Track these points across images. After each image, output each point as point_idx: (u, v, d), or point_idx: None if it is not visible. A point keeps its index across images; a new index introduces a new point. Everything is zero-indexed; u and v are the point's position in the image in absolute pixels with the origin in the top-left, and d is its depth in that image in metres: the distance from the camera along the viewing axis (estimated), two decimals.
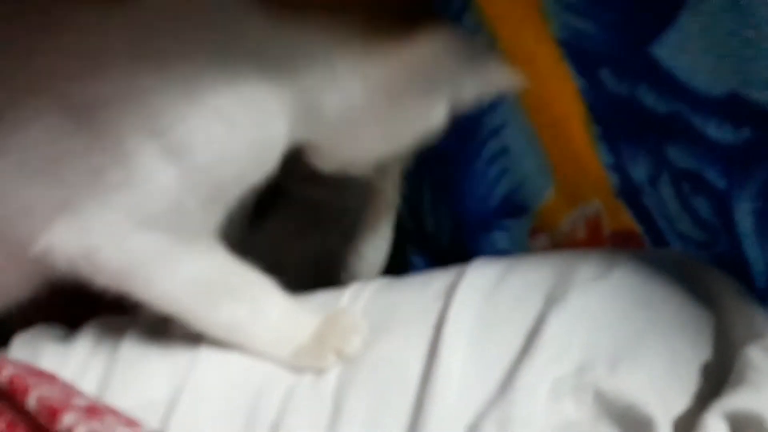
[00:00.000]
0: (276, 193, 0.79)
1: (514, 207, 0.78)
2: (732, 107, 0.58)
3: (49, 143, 0.53)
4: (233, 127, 0.55)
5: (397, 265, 0.86)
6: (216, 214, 0.58)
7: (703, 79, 0.58)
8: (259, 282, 0.61)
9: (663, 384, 0.50)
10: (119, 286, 0.56)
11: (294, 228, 0.81)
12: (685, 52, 0.58)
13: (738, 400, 0.46)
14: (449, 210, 0.82)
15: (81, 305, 0.62)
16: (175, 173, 0.54)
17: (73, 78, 0.53)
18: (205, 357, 0.60)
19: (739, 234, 0.62)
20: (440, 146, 0.73)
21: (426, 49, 0.59)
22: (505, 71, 0.64)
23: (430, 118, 0.64)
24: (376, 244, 0.83)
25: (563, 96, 0.71)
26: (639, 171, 0.69)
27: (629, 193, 0.71)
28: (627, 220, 0.73)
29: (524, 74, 0.72)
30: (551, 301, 0.57)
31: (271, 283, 0.61)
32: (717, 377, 0.50)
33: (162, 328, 0.62)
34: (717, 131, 0.59)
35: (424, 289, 0.63)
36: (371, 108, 0.60)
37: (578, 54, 0.67)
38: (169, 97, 0.53)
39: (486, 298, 0.59)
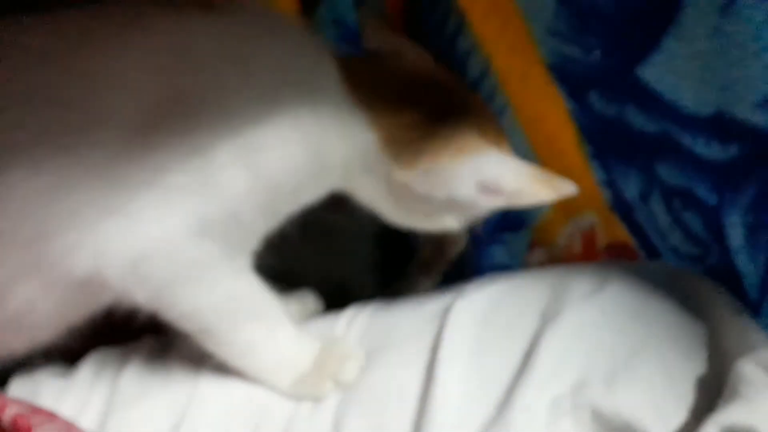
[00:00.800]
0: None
1: (513, 222, 0.79)
2: (719, 125, 0.59)
3: (110, 142, 0.51)
4: (305, 143, 0.56)
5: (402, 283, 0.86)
6: (263, 231, 0.58)
7: (689, 100, 0.59)
8: (276, 306, 0.60)
9: (659, 399, 0.50)
10: (158, 299, 0.54)
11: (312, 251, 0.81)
12: (671, 74, 0.59)
13: (732, 414, 0.47)
14: None
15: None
16: (245, 178, 0.53)
17: (160, 73, 0.52)
18: (204, 389, 0.59)
19: (730, 248, 0.63)
20: None
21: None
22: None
23: (444, 223, 0.65)
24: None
25: (555, 116, 0.72)
26: (630, 188, 0.70)
27: (622, 209, 0.73)
28: (622, 232, 0.74)
29: (517, 94, 0.73)
30: (546, 319, 0.57)
31: (281, 308, 0.60)
32: (711, 390, 0.50)
33: (160, 358, 0.62)
34: (705, 149, 0.60)
35: (419, 311, 0.63)
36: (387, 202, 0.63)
37: (567, 77, 0.69)
38: (252, 102, 0.53)
39: (481, 318, 0.59)
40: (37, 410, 0.53)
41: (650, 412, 0.49)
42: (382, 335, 0.62)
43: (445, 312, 0.60)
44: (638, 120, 0.64)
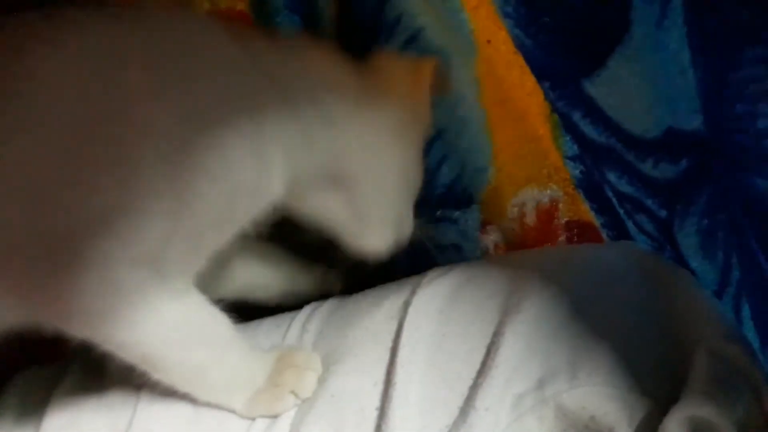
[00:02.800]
0: None
1: (459, 196, 0.75)
2: (669, 144, 0.55)
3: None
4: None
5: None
6: (209, 252, 0.54)
7: (636, 123, 0.55)
8: (225, 324, 0.56)
9: (623, 389, 0.48)
10: (91, 330, 0.51)
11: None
12: (617, 94, 0.55)
13: (693, 407, 0.45)
14: None
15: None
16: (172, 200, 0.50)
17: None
18: (146, 412, 0.56)
19: (683, 254, 0.61)
20: None
21: None
22: None
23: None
24: None
25: (523, 83, 0.66)
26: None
27: (590, 185, 0.69)
28: (584, 210, 0.71)
29: (487, 51, 0.68)
30: (506, 312, 0.54)
31: (232, 325, 0.56)
32: (675, 377, 0.48)
33: (94, 379, 0.59)
34: (654, 170, 0.57)
35: (375, 310, 0.60)
36: None
37: (524, 57, 0.64)
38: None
39: (440, 315, 0.57)
40: None
41: (615, 403, 0.48)
42: (338, 338, 0.59)
43: (402, 310, 0.58)
44: (586, 127, 0.59)
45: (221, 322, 0.55)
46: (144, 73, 0.49)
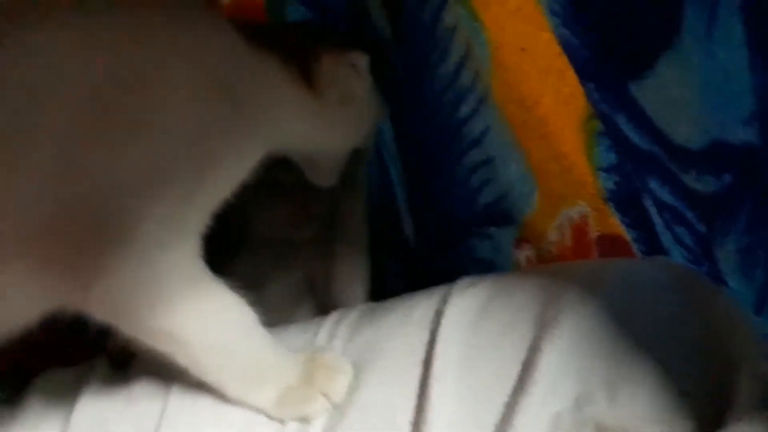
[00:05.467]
0: (240, 237, 0.78)
1: (498, 216, 0.74)
2: (714, 157, 0.53)
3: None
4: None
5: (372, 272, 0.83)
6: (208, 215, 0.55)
7: (681, 132, 0.53)
8: (251, 314, 0.56)
9: (665, 410, 0.47)
10: (116, 315, 0.52)
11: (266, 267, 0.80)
12: (664, 101, 0.52)
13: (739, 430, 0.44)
14: (429, 212, 0.78)
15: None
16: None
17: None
18: (175, 414, 0.55)
19: (722, 268, 0.59)
20: (421, 150, 0.69)
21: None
22: None
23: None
24: (355, 268, 0.81)
25: (558, 90, 0.65)
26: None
27: (624, 198, 0.67)
28: (614, 224, 0.69)
29: (510, 69, 0.67)
30: (542, 326, 0.53)
31: (258, 319, 0.57)
32: (715, 397, 0.47)
33: (120, 379, 0.58)
34: (696, 182, 0.55)
35: (406, 320, 0.59)
36: None
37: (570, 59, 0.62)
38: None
39: (473, 327, 0.56)
40: None
41: (657, 428, 0.47)
42: (368, 347, 0.58)
43: (434, 320, 0.57)
44: (630, 132, 0.57)
45: (247, 313, 0.55)
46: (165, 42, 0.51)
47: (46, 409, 0.57)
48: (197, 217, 0.54)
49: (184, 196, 0.52)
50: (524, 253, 0.75)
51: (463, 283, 0.61)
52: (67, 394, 0.58)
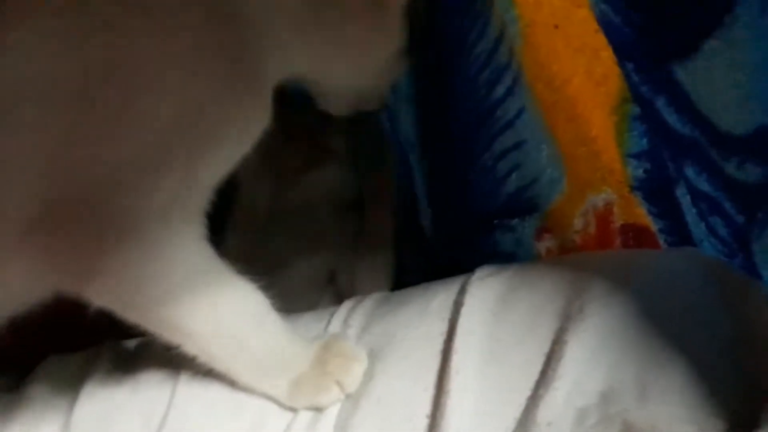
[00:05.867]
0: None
1: (522, 206, 0.72)
2: (759, 145, 0.50)
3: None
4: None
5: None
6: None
7: (726, 117, 0.50)
8: (261, 300, 0.54)
9: (696, 410, 0.45)
10: (116, 299, 0.50)
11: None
12: (708, 84, 0.50)
13: None
14: (449, 206, 0.75)
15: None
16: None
17: None
18: (184, 401, 0.54)
19: (757, 261, 0.57)
20: (446, 138, 0.67)
21: None
22: None
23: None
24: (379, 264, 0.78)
25: (591, 70, 0.62)
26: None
27: (653, 186, 0.65)
28: (640, 214, 0.67)
29: (541, 47, 0.65)
30: (567, 318, 0.51)
31: (270, 305, 0.55)
32: (748, 395, 0.45)
33: (127, 366, 0.57)
34: (738, 171, 0.52)
35: (424, 309, 0.57)
36: None
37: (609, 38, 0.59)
38: None
39: (494, 318, 0.54)
40: None
41: (689, 427, 0.44)
42: (384, 336, 0.56)
43: (453, 311, 0.55)
44: (670, 116, 0.55)
45: (258, 298, 0.53)
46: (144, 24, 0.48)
47: (50, 397, 0.56)
48: (200, 196, 0.52)
49: (185, 178, 0.49)
50: (545, 245, 0.72)
51: (482, 272, 0.59)
52: (71, 381, 0.57)
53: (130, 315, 0.50)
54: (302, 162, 0.79)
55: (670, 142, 0.57)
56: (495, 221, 0.73)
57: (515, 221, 0.73)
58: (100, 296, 0.50)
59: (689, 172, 0.57)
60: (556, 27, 0.61)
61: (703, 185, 0.56)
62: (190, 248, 0.51)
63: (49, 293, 0.51)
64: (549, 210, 0.71)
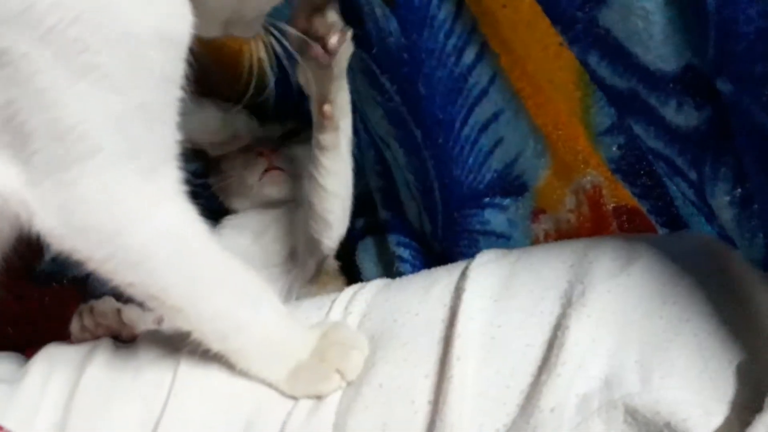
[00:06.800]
0: None
1: (511, 183, 0.70)
2: (689, 84, 0.49)
3: None
4: None
5: (383, 259, 0.80)
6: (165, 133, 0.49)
7: (654, 53, 0.49)
8: (258, 282, 0.54)
9: (699, 394, 0.44)
10: (89, 250, 0.48)
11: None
12: (631, 20, 0.48)
13: None
14: (434, 189, 0.72)
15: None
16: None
17: None
18: (184, 388, 0.53)
19: (724, 225, 0.53)
20: (423, 118, 0.68)
21: None
22: None
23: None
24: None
25: (546, 47, 0.62)
26: None
27: (628, 165, 0.63)
28: (627, 195, 0.65)
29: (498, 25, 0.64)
30: (569, 304, 0.51)
31: (270, 288, 0.54)
32: (751, 378, 0.44)
33: (128, 353, 0.57)
34: (677, 115, 0.50)
35: (425, 295, 0.56)
36: None
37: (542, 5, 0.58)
38: None
39: (496, 304, 0.53)
40: None
41: (691, 408, 0.43)
42: (385, 322, 0.56)
43: (455, 297, 0.55)
44: (605, 72, 0.53)
45: (250, 278, 0.53)
46: None
47: (49, 384, 0.56)
48: (156, 135, 0.50)
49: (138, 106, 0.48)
50: (542, 227, 0.71)
51: (482, 258, 0.59)
52: (73, 366, 0.57)
53: (84, 249, 0.49)
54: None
55: (615, 102, 0.56)
56: (485, 199, 0.71)
57: (507, 201, 0.71)
58: (51, 219, 0.48)
59: (638, 129, 0.55)
60: (504, 6, 0.62)
61: (653, 142, 0.54)
62: (158, 200, 0.50)
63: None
64: (538, 186, 0.70)
